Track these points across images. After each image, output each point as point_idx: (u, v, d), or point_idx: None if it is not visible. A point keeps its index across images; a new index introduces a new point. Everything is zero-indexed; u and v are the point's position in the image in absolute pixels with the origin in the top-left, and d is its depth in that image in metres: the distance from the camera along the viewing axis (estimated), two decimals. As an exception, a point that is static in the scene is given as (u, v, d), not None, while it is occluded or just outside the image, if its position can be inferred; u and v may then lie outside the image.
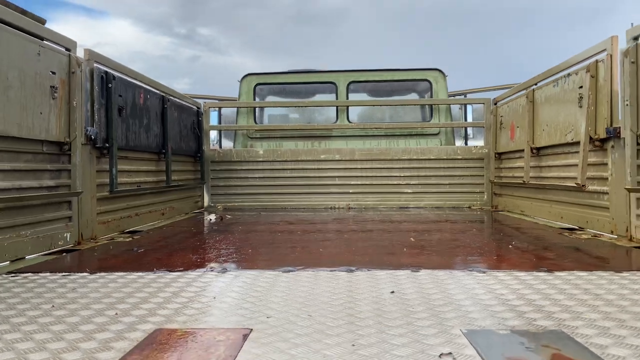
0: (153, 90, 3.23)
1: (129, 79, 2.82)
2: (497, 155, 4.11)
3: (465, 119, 4.85)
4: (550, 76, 3.06)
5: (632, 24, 2.36)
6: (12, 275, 1.63)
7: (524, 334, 1.04)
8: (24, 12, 1.98)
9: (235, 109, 4.67)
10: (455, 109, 5.03)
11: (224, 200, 4.35)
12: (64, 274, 1.64)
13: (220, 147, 4.82)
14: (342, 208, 4.22)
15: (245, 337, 1.03)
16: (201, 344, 0.99)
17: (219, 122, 4.61)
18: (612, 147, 2.39)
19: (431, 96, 4.57)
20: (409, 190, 4.28)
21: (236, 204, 4.32)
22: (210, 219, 3.51)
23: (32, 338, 1.02)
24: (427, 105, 4.64)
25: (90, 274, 1.64)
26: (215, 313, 1.21)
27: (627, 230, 2.29)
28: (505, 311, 1.20)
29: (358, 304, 1.27)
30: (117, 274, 1.63)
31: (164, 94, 3.39)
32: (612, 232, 2.40)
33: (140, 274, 1.63)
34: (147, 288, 1.44)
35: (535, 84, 3.30)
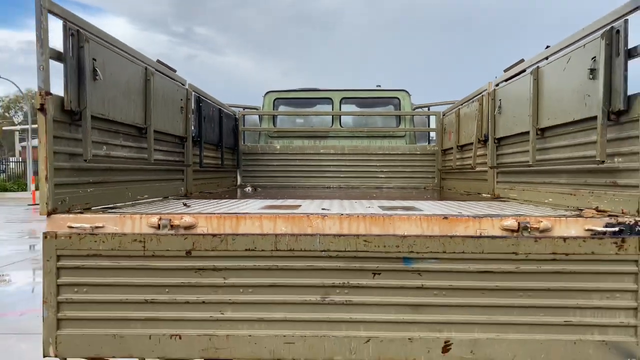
0: (216, 105, 5.02)
1: (208, 100, 4.63)
2: (442, 151, 5.93)
3: (429, 126, 6.67)
4: (466, 102, 4.88)
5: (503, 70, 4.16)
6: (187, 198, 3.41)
7: (389, 209, 2.82)
8: (171, 69, 3.76)
9: (257, 116, 6.50)
10: (423, 118, 6.85)
11: (251, 180, 6.14)
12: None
13: (243, 142, 6.61)
14: (335, 187, 6.02)
15: (299, 205, 2.81)
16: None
17: (243, 125, 6.41)
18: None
19: (399, 109, 6.39)
20: (383, 176, 6.09)
21: (260, 183, 6.11)
22: (249, 189, 5.31)
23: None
24: (396, 116, 6.47)
25: (208, 199, 3.42)
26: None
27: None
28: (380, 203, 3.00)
29: (335, 204, 3.07)
30: (234, 200, 3.42)
31: (220, 107, 5.19)
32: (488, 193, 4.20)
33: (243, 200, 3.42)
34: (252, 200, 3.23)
35: (461, 104, 5.12)
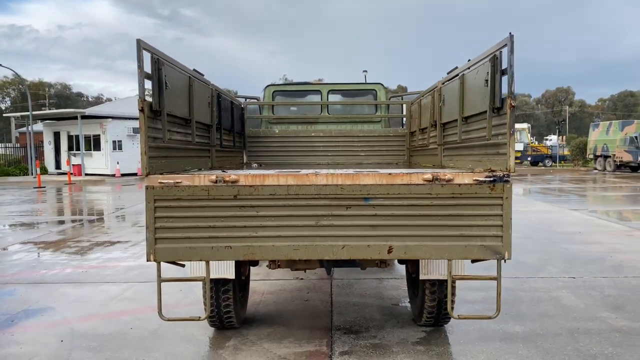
0: (229, 98, 6.34)
1: (224, 95, 5.95)
2: (410, 134, 7.30)
3: (402, 112, 8.03)
4: (424, 94, 6.23)
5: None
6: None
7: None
8: (200, 73, 5.07)
9: (258, 106, 7.84)
10: (399, 105, 8.21)
11: (255, 159, 7.48)
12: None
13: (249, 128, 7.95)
14: (324, 163, 7.38)
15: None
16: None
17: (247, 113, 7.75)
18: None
19: (376, 99, 7.75)
20: (363, 154, 7.46)
21: (262, 161, 7.46)
22: (255, 165, 6.66)
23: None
24: (374, 105, 7.83)
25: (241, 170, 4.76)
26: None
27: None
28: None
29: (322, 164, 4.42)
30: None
31: (231, 99, 6.51)
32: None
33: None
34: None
35: (422, 96, 6.47)
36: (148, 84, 3.56)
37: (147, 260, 3.50)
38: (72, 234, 10.46)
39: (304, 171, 3.73)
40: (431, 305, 4.48)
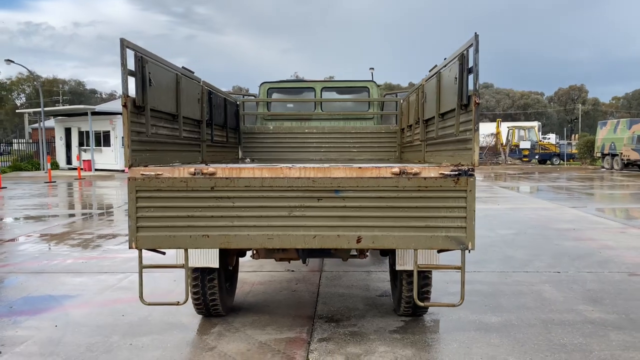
0: (222, 95, 6.54)
1: (215, 92, 6.15)
2: (402, 130, 7.45)
3: (397, 109, 8.18)
4: (412, 92, 6.38)
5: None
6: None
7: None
8: (190, 71, 5.26)
9: (255, 103, 8.02)
10: (392, 103, 8.35)
11: (250, 154, 7.68)
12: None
13: (244, 124, 8.15)
14: (317, 159, 7.56)
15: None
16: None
17: (244, 110, 7.94)
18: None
19: (369, 97, 7.90)
20: (355, 150, 7.63)
21: (257, 157, 7.65)
22: (248, 160, 6.86)
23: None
24: (367, 102, 7.99)
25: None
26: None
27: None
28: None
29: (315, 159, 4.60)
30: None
31: (225, 97, 6.70)
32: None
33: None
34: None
35: (410, 94, 6.62)
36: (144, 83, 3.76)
37: (130, 248, 3.70)
38: (77, 227, 10.74)
39: (278, 165, 3.91)
40: (408, 296, 4.64)
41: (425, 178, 3.59)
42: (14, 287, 6.21)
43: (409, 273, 4.54)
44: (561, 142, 42.11)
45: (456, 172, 3.58)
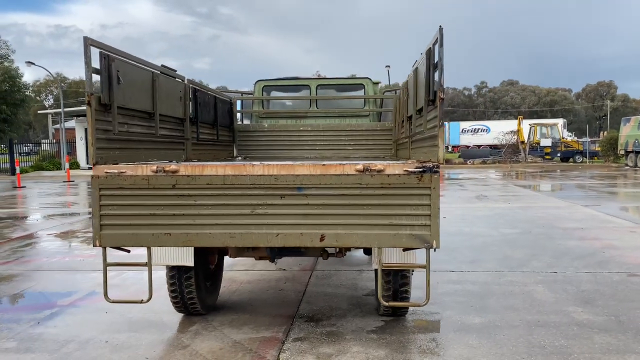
0: (211, 93, 6.53)
1: (203, 90, 6.14)
2: (397, 127, 7.34)
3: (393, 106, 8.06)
4: (402, 87, 6.27)
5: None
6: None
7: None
8: (172, 69, 5.26)
9: (251, 100, 8.01)
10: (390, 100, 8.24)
11: (245, 153, 7.66)
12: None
13: (241, 122, 8.13)
14: (312, 157, 7.50)
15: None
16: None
17: (242, 108, 7.92)
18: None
19: (365, 94, 7.81)
20: (350, 148, 7.54)
21: (252, 155, 7.63)
22: (239, 158, 6.83)
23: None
24: (363, 99, 7.90)
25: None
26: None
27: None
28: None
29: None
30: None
31: (215, 95, 6.69)
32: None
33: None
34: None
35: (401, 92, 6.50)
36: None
37: (93, 246, 3.70)
38: (83, 226, 10.88)
39: (241, 162, 3.87)
40: (387, 295, 4.56)
41: (388, 175, 3.50)
42: (7, 285, 6.31)
43: (387, 272, 4.46)
44: (584, 139, 41.09)
45: (420, 169, 3.48)
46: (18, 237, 9.56)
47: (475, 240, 8.64)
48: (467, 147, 49.91)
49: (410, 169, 3.50)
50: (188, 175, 3.61)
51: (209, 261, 5.04)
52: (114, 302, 3.91)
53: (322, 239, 3.56)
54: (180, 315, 5.05)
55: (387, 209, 3.51)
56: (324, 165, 3.59)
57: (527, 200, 14.32)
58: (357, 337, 4.45)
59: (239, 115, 8.01)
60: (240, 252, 4.63)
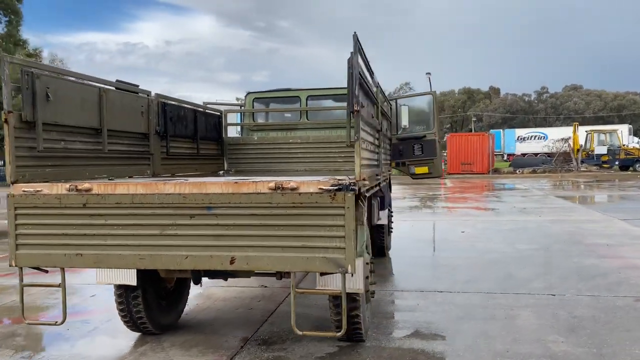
0: (189, 107, 6.45)
1: (175, 104, 6.06)
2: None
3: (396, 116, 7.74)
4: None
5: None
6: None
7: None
8: (133, 85, 5.20)
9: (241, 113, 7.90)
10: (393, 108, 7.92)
11: (235, 166, 7.53)
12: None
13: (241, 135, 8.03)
14: (302, 170, 7.28)
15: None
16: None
17: (242, 120, 7.83)
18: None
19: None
20: (340, 160, 7.27)
21: (243, 168, 7.49)
22: (222, 172, 6.71)
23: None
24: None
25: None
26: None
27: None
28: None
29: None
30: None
31: (194, 109, 6.60)
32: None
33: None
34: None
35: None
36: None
37: (10, 266, 3.64)
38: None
39: (153, 179, 3.71)
40: (336, 320, 4.26)
41: (300, 194, 3.25)
42: (-9, 298, 6.43)
43: (335, 296, 4.16)
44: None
45: (335, 187, 3.20)
46: None
47: (484, 257, 8.11)
48: (524, 155, 48.09)
49: (325, 187, 3.23)
50: (98, 194, 3.49)
51: (164, 280, 4.90)
52: (29, 323, 3.82)
53: (232, 261, 3.33)
54: (138, 334, 4.94)
55: (299, 230, 3.25)
56: (236, 183, 3.38)
57: (561, 213, 13.45)
58: (302, 363, 4.18)
59: (236, 127, 7.92)
60: (170, 272, 4.45)
